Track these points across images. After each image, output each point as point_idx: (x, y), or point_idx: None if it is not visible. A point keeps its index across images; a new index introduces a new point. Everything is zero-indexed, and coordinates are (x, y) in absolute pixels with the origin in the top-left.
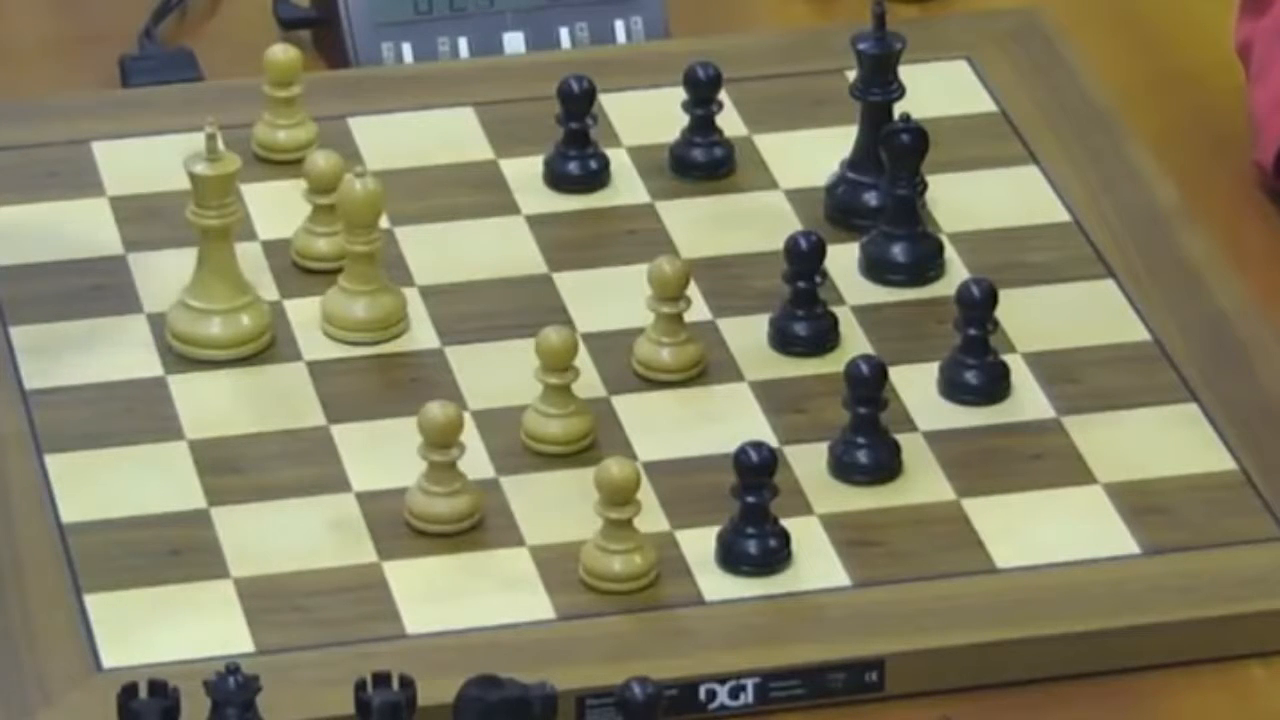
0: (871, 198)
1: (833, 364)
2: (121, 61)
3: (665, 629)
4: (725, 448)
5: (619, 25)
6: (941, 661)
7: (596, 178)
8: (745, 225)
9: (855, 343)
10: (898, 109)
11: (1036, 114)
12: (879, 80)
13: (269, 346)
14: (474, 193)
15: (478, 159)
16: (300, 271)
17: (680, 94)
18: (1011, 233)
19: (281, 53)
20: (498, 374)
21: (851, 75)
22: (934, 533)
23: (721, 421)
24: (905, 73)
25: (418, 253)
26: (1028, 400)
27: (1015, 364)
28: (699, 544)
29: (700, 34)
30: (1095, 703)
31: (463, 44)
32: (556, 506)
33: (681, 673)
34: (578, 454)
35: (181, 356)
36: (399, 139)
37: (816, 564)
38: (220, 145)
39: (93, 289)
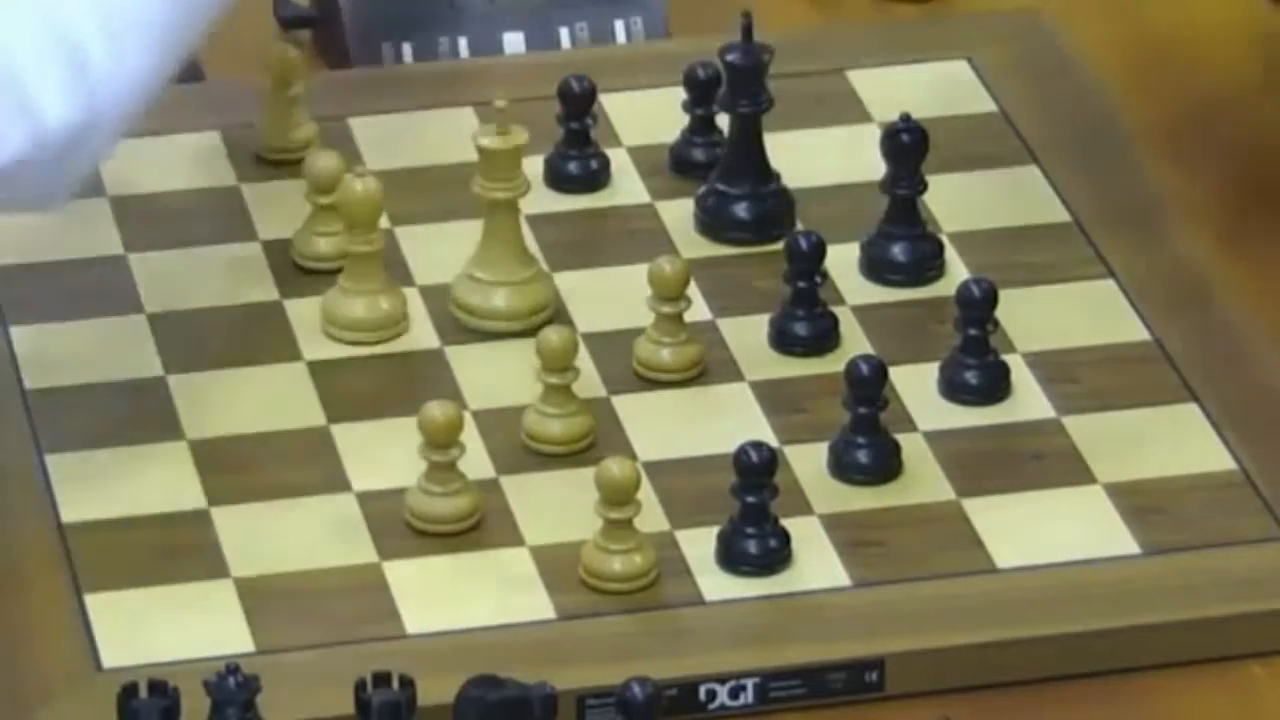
0: (742, 209)
1: (833, 364)
2: None
3: (665, 629)
4: (725, 448)
5: (619, 25)
6: (941, 661)
7: (596, 178)
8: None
9: (855, 343)
10: (890, 110)
11: (1036, 114)
12: (746, 91)
13: (552, 319)
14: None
15: (478, 159)
16: (300, 271)
17: (680, 94)
18: (1011, 233)
19: (281, 53)
20: (498, 374)
21: (853, 75)
22: (934, 533)
23: (721, 421)
24: (905, 72)
25: (418, 253)
26: (1028, 400)
27: (1015, 364)
28: (699, 544)
29: (700, 34)
30: (1095, 703)
31: (463, 44)
32: (556, 506)
33: (681, 673)
34: (578, 454)
35: (465, 328)
36: (399, 139)
37: (816, 564)
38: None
39: (93, 289)
